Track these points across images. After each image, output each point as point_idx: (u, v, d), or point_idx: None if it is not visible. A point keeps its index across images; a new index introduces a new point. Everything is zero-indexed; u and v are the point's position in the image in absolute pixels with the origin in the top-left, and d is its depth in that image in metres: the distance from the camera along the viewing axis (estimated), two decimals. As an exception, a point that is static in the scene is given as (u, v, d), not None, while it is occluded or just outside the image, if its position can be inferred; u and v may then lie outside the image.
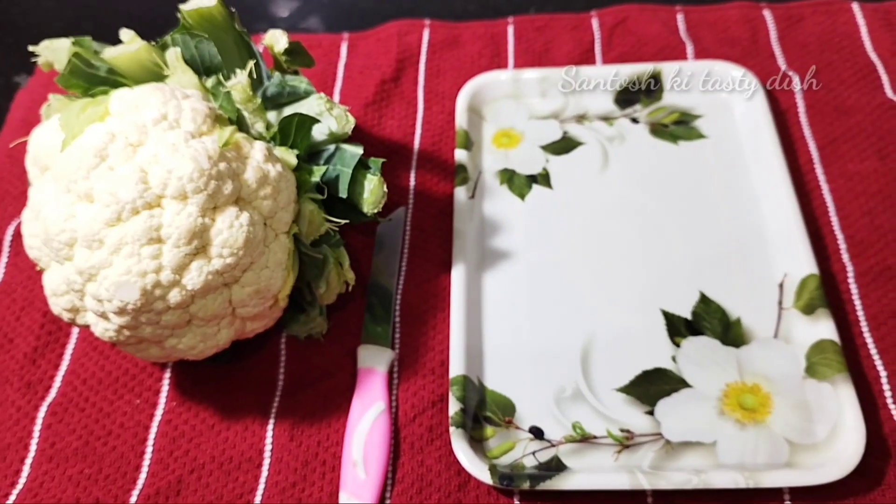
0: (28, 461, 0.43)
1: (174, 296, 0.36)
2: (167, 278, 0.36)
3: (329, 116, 0.41)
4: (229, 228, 0.36)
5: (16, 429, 0.44)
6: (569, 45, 0.60)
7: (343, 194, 0.41)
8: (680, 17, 0.60)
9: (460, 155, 0.52)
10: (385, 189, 0.42)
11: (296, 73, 0.44)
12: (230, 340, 0.41)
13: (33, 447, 0.43)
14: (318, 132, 0.42)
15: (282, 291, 0.40)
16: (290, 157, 0.40)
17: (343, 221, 0.42)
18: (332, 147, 0.43)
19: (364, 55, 0.60)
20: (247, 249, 0.37)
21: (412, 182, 0.53)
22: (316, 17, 0.66)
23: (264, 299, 0.39)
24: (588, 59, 0.59)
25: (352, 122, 0.41)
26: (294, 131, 0.41)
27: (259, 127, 0.41)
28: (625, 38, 0.60)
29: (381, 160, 0.42)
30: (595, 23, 0.61)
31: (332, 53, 0.61)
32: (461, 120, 0.54)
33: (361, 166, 0.42)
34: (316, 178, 0.41)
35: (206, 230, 0.36)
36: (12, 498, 0.42)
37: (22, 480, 0.43)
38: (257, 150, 0.39)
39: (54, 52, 0.42)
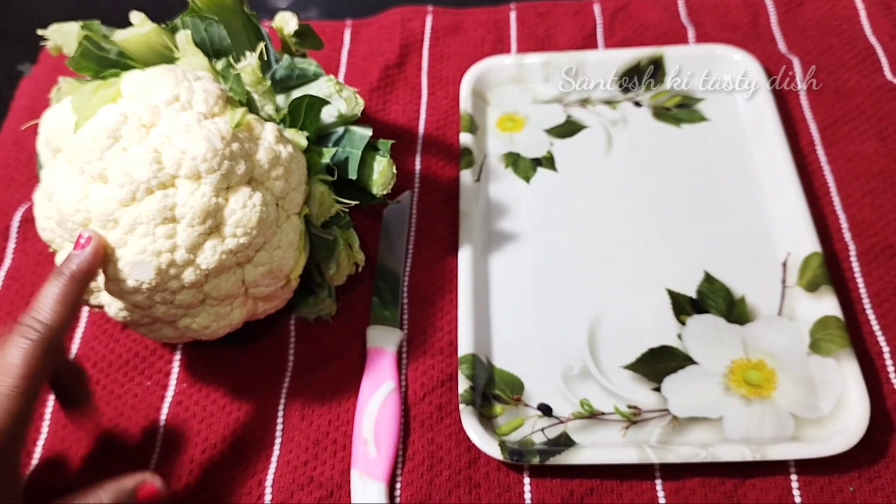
0: (40, 444, 0.43)
1: (188, 275, 0.36)
2: (182, 257, 0.36)
3: (338, 98, 0.42)
4: (242, 208, 0.37)
5: (28, 411, 0.44)
6: (571, 30, 0.60)
7: (353, 176, 0.42)
8: (681, 2, 0.61)
9: (465, 139, 0.52)
10: (394, 170, 0.42)
11: (304, 56, 0.45)
12: (243, 321, 0.41)
13: (45, 430, 0.44)
14: (328, 114, 0.42)
15: (293, 272, 0.40)
16: (300, 138, 0.41)
17: (353, 203, 0.42)
18: (341, 129, 0.43)
19: (367, 42, 0.61)
20: (260, 229, 0.37)
21: (418, 166, 0.53)
22: (315, 8, 0.66)
23: (276, 279, 0.40)
24: (590, 44, 0.59)
25: (361, 103, 0.42)
26: (304, 113, 0.41)
27: (269, 109, 0.42)
28: (626, 23, 0.60)
29: (391, 141, 0.42)
30: (597, 8, 0.61)
31: (336, 40, 0.61)
32: (466, 104, 0.54)
33: (370, 148, 0.42)
34: (326, 159, 0.41)
35: (219, 210, 0.36)
36: (24, 478, 0.42)
37: (34, 463, 0.43)
38: (269, 132, 0.39)
39: (63, 35, 0.42)
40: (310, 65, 0.43)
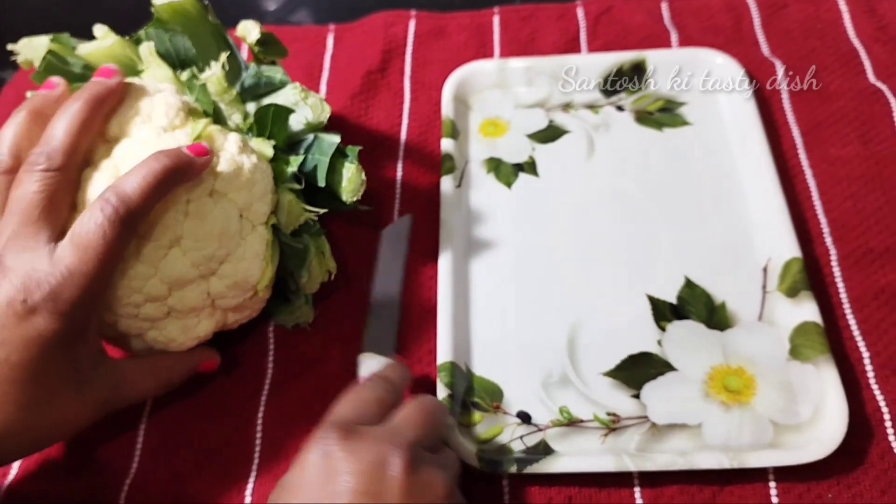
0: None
1: (151, 288, 0.36)
2: (143, 272, 0.36)
3: (304, 106, 0.42)
4: (203, 221, 0.36)
5: (6, 422, 0.44)
6: (554, 34, 0.60)
7: (321, 183, 0.42)
8: (664, 6, 0.61)
9: (447, 144, 0.52)
10: (363, 177, 0.42)
11: (273, 63, 0.45)
12: (212, 332, 0.41)
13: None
14: (296, 122, 0.42)
15: (260, 283, 0.40)
16: (266, 147, 0.41)
17: (322, 210, 0.42)
18: (310, 137, 0.43)
19: (350, 46, 0.61)
20: (221, 241, 0.37)
21: (399, 172, 0.53)
22: (304, 11, 0.66)
23: (243, 290, 0.40)
24: (573, 48, 0.59)
25: (327, 110, 0.42)
26: (270, 122, 0.41)
27: (236, 118, 0.42)
28: (610, 27, 0.60)
29: (358, 148, 0.42)
30: (580, 12, 0.61)
31: (319, 45, 0.61)
32: (447, 110, 0.54)
33: (340, 155, 0.42)
34: (293, 168, 0.41)
35: (179, 223, 0.36)
36: (2, 487, 0.42)
37: (13, 472, 0.43)
38: (231, 143, 0.39)
39: (34, 49, 0.42)
40: (276, 72, 0.43)
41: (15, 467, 0.43)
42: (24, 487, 0.42)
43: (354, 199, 0.41)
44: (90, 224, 0.33)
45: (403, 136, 0.55)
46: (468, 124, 0.55)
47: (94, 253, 0.33)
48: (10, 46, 0.42)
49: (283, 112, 0.40)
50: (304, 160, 0.42)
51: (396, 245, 0.48)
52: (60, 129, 0.35)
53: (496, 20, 0.61)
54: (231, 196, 0.38)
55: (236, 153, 0.38)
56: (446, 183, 0.50)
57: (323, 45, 0.61)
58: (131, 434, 0.44)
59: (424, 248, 0.49)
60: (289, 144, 0.43)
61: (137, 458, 0.43)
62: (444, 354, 0.43)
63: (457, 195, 0.50)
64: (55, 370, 0.34)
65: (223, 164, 0.38)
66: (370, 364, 0.41)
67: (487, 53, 0.59)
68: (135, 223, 0.34)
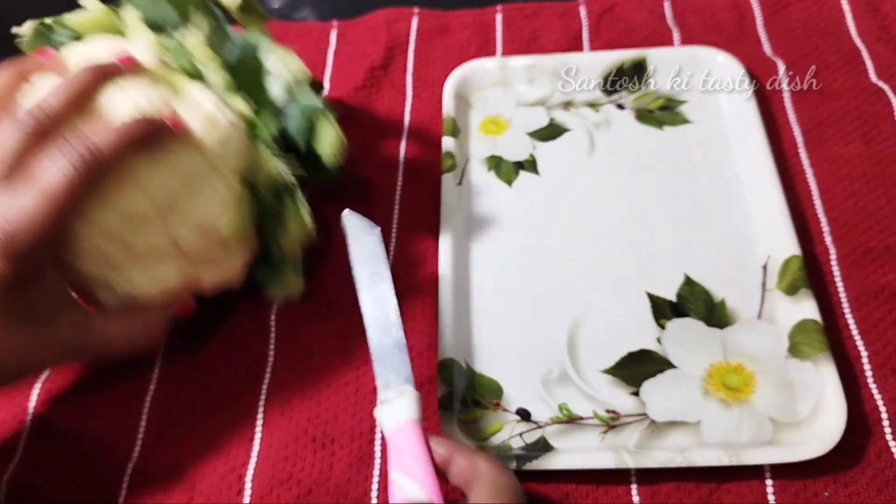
0: (23, 438, 0.44)
1: (105, 221, 0.36)
2: (97, 204, 0.36)
3: (286, 70, 0.43)
4: (166, 160, 0.37)
5: (10, 406, 0.45)
6: (557, 32, 0.60)
7: (302, 145, 0.42)
8: (667, 5, 0.61)
9: (447, 142, 0.52)
10: (344, 139, 0.42)
11: (259, 31, 0.45)
12: (180, 282, 0.41)
13: (28, 424, 0.44)
14: (277, 85, 0.43)
15: (227, 229, 0.40)
16: (243, 106, 0.41)
17: (301, 173, 0.42)
18: (290, 100, 0.43)
19: (353, 43, 0.61)
20: (182, 180, 0.38)
21: (400, 169, 0.53)
22: (308, 8, 0.67)
23: (207, 236, 0.40)
24: (576, 46, 0.59)
25: (308, 75, 0.42)
26: (248, 82, 0.42)
27: (216, 78, 0.43)
28: (612, 25, 0.60)
29: (335, 111, 0.43)
30: (583, 10, 0.61)
31: (322, 41, 0.61)
32: (448, 107, 0.54)
33: (319, 118, 0.43)
34: (272, 129, 0.42)
35: (138, 161, 0.36)
36: (6, 475, 0.42)
37: (15, 463, 0.43)
38: (207, 97, 0.40)
39: None
40: (259, 39, 0.43)
41: (18, 458, 0.43)
42: (26, 478, 0.42)
43: (334, 161, 0.42)
44: (53, 169, 0.34)
45: (405, 132, 0.55)
46: (469, 122, 0.55)
47: (52, 198, 0.33)
48: (14, 30, 0.43)
49: (261, 72, 0.41)
50: (284, 122, 0.42)
51: (373, 261, 0.40)
52: (60, 94, 0.35)
53: (499, 18, 0.61)
54: (200, 145, 0.38)
55: (211, 107, 0.39)
56: (447, 180, 0.50)
57: (326, 41, 0.61)
58: (134, 419, 0.44)
59: (425, 245, 0.49)
60: (270, 109, 0.43)
61: (140, 443, 0.43)
62: (444, 351, 0.43)
63: (457, 193, 0.50)
64: (8, 311, 0.35)
65: (197, 116, 0.38)
66: (393, 409, 0.36)
67: (490, 51, 0.59)
68: (100, 174, 0.35)
